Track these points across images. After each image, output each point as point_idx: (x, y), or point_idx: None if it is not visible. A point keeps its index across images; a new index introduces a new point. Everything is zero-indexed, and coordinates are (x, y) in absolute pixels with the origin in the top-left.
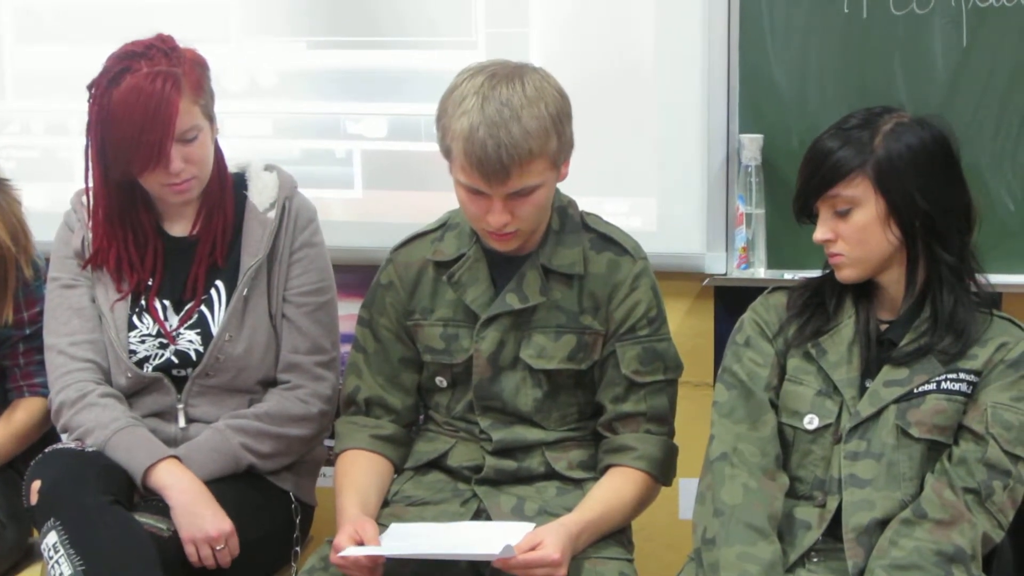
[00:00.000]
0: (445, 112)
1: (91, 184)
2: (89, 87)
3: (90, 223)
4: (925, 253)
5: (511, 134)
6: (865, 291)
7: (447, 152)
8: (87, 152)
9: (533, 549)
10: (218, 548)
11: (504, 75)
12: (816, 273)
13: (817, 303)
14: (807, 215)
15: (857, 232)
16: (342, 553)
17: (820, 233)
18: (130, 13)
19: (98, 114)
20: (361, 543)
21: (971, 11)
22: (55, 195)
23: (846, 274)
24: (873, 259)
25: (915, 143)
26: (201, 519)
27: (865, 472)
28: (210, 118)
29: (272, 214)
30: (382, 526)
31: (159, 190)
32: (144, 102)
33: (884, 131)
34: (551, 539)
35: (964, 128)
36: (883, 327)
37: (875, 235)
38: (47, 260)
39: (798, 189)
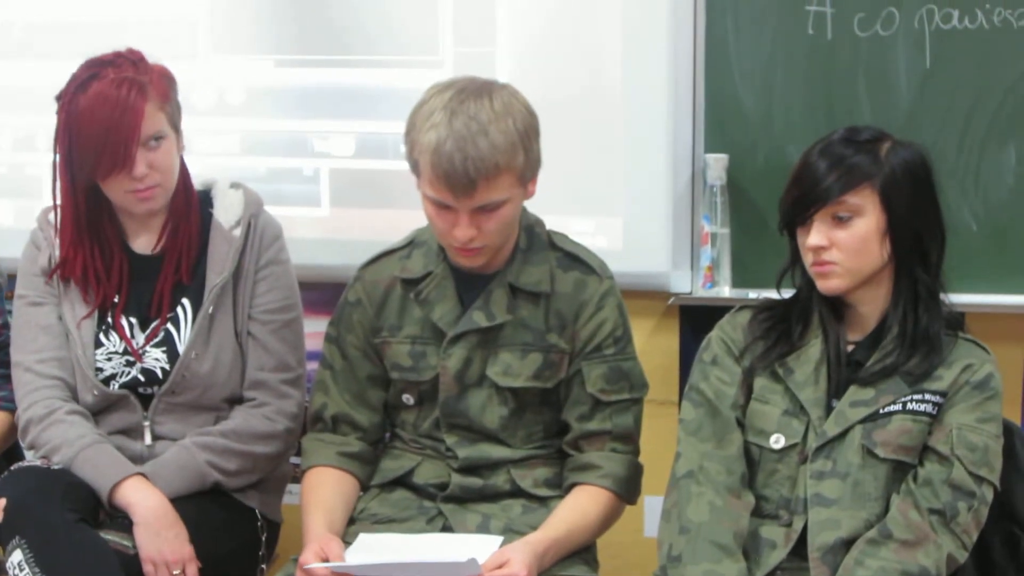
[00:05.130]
0: (413, 126)
1: (59, 198)
2: (57, 97)
3: (57, 240)
4: (906, 273)
5: (478, 147)
6: (833, 311)
7: (415, 166)
8: (55, 164)
9: (500, 567)
10: (175, 573)
11: (473, 90)
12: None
13: (782, 329)
14: (796, 224)
15: (856, 241)
16: (307, 567)
17: (816, 239)
18: (99, 29)
19: (65, 120)
20: (327, 561)
21: (934, 33)
22: (22, 212)
23: (834, 284)
24: (864, 272)
25: (912, 163)
26: (162, 540)
27: (831, 491)
28: (176, 129)
29: (238, 232)
30: (348, 544)
31: (123, 198)
32: (110, 106)
33: (886, 148)
34: (517, 557)
35: (927, 148)
36: (850, 347)
37: (872, 248)
38: (11, 277)
39: (797, 196)
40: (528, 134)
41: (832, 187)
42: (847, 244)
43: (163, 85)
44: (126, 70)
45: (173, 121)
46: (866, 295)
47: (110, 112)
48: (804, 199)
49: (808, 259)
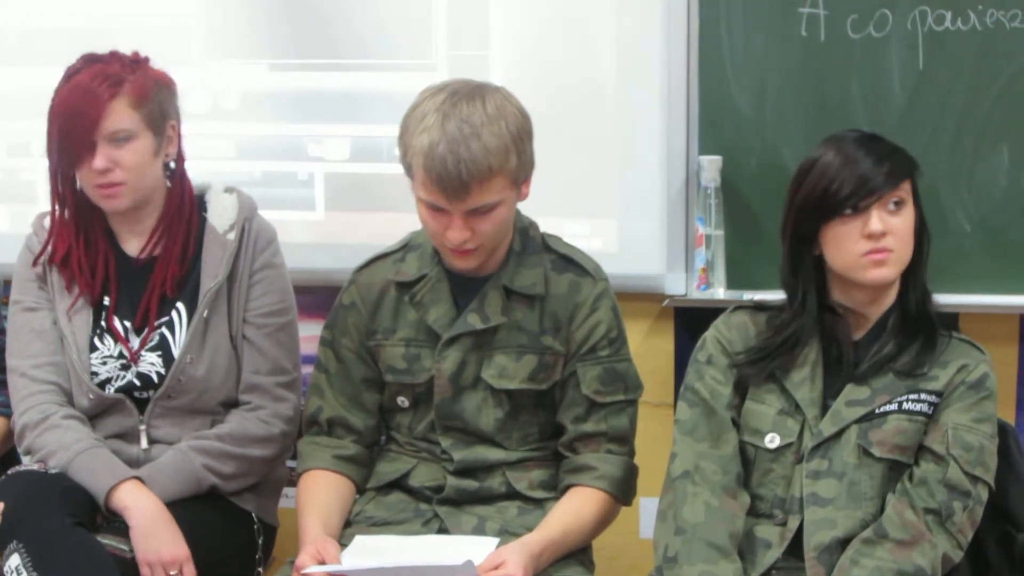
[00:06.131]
0: (407, 129)
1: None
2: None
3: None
4: (912, 268)
5: (471, 150)
6: (832, 312)
7: (408, 168)
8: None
9: (496, 568)
10: (172, 573)
11: (466, 93)
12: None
13: (783, 349)
14: (842, 216)
15: (907, 229)
16: (304, 571)
17: (877, 224)
18: (94, 35)
19: (48, 110)
20: (323, 563)
21: (927, 34)
22: (17, 217)
23: (886, 272)
24: (906, 262)
25: None
26: (158, 542)
27: (826, 491)
28: (154, 130)
29: (232, 236)
30: (344, 546)
31: (92, 193)
32: (79, 96)
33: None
34: (513, 558)
35: (921, 150)
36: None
37: (912, 238)
38: (6, 283)
39: (856, 185)
40: (521, 136)
41: (894, 172)
42: (901, 231)
43: (148, 87)
44: (112, 67)
45: (150, 122)
46: (880, 292)
47: (78, 102)
48: (866, 186)
49: (860, 248)
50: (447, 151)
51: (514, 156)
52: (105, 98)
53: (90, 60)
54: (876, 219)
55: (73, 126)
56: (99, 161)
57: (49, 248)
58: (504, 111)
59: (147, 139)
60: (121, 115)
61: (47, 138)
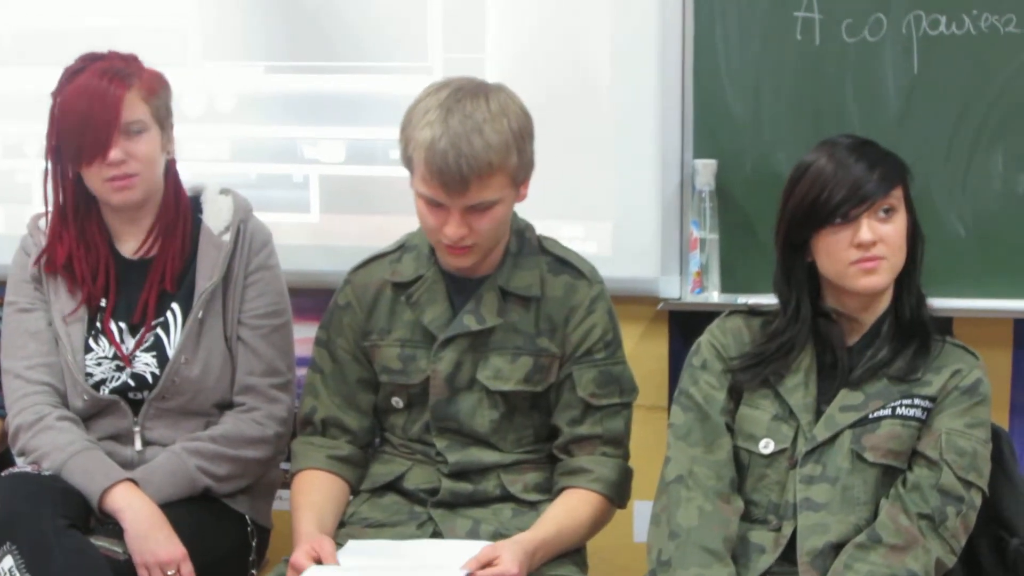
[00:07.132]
0: (409, 123)
1: (49, 201)
2: (52, 94)
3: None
4: (906, 274)
5: (472, 145)
6: (825, 318)
7: (408, 162)
8: (46, 166)
9: (490, 563)
10: (169, 573)
11: (469, 90)
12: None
13: (778, 355)
14: (832, 224)
15: (898, 236)
16: (303, 574)
17: (867, 234)
18: (89, 36)
19: (53, 110)
20: (318, 560)
21: (922, 39)
22: (12, 218)
23: (876, 280)
24: (898, 269)
25: None
26: (154, 543)
27: (820, 496)
28: (161, 126)
29: (227, 237)
30: (339, 545)
31: (101, 188)
32: (91, 92)
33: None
34: (508, 555)
35: (915, 154)
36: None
37: (904, 244)
38: (1, 284)
39: (846, 193)
40: (522, 135)
41: (885, 179)
42: (892, 238)
43: (151, 81)
44: (115, 63)
45: (157, 116)
46: (873, 298)
47: (91, 99)
48: (856, 195)
49: (850, 257)
50: (449, 145)
51: (515, 154)
52: (121, 90)
53: (90, 59)
54: (866, 228)
55: (90, 121)
56: (115, 153)
57: (48, 253)
58: (507, 109)
59: (156, 132)
60: (135, 107)
61: (52, 138)
